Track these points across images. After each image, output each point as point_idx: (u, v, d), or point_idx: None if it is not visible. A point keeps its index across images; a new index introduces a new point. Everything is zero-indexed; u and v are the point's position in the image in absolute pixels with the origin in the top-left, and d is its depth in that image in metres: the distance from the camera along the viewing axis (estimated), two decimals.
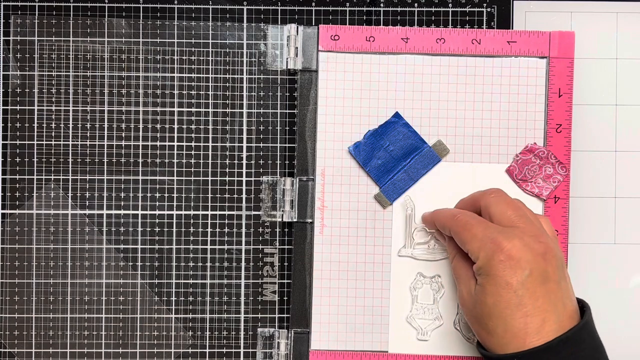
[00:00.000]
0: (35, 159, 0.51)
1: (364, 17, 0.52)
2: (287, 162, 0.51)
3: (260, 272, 0.51)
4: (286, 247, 0.51)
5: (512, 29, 0.52)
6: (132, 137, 0.51)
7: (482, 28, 0.51)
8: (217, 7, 0.51)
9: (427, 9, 0.52)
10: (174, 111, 0.51)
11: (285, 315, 0.51)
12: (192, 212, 0.51)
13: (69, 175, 0.51)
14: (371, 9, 0.52)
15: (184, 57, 0.51)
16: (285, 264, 0.51)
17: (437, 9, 0.52)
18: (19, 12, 0.51)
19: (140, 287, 0.51)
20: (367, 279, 0.50)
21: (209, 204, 0.51)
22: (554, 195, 0.50)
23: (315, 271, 0.50)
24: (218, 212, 0.51)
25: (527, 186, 0.50)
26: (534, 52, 0.50)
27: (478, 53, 0.50)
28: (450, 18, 0.52)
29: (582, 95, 0.52)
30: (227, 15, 0.52)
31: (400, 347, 0.50)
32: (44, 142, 0.51)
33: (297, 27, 0.50)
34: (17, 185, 0.51)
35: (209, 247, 0.51)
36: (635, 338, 0.52)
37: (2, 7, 0.51)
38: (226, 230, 0.51)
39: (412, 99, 0.50)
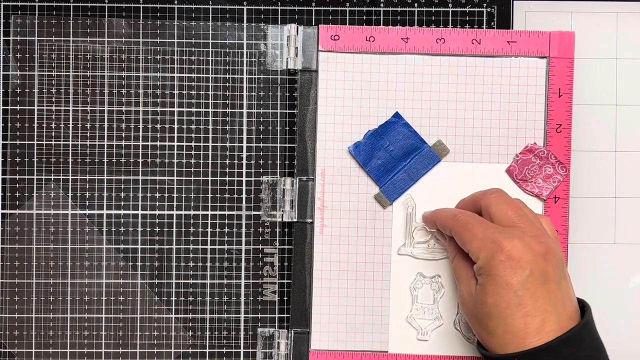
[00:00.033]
0: (35, 159, 0.51)
1: (364, 17, 0.52)
2: (287, 162, 0.51)
3: (260, 272, 0.51)
4: (286, 247, 0.51)
5: (512, 29, 0.52)
6: (132, 137, 0.51)
7: (482, 28, 0.52)
8: (217, 7, 0.51)
9: (427, 9, 0.52)
10: (174, 111, 0.51)
11: (285, 315, 0.51)
12: (192, 212, 0.51)
13: (69, 175, 0.51)
14: (371, 9, 0.52)
15: (184, 57, 0.51)
16: (285, 264, 0.51)
17: (437, 9, 0.52)
18: (19, 12, 0.51)
19: (140, 287, 0.51)
20: (367, 279, 0.50)
21: (209, 204, 0.51)
22: (554, 195, 0.50)
23: (315, 271, 0.50)
24: (218, 212, 0.51)
25: (527, 186, 0.50)
26: (534, 52, 0.50)
27: (478, 53, 0.50)
28: (450, 18, 0.52)
29: (582, 95, 0.52)
30: (227, 15, 0.52)
31: (400, 347, 0.50)
32: (44, 142, 0.51)
33: (297, 27, 0.50)
34: (17, 185, 0.51)
35: (209, 247, 0.51)
36: (635, 338, 0.52)
37: (2, 7, 0.51)
38: (226, 230, 0.51)
39: (412, 99, 0.50)
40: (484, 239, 0.42)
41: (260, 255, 0.51)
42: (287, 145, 0.51)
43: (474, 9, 0.52)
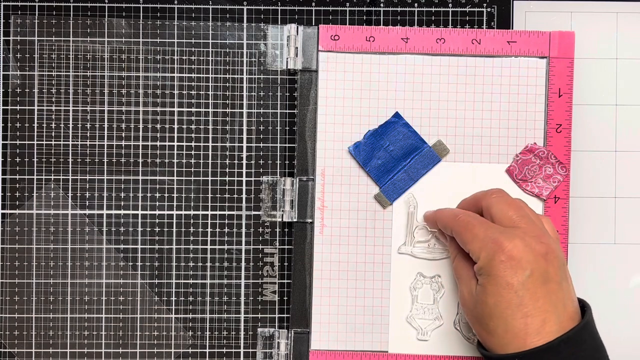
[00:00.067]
0: (35, 159, 0.51)
1: (364, 17, 0.52)
2: (287, 162, 0.51)
3: (260, 272, 0.51)
4: (286, 247, 0.51)
5: (512, 29, 0.52)
6: (132, 137, 0.51)
7: (482, 28, 0.52)
8: (217, 7, 0.51)
9: (427, 9, 0.52)
10: (174, 111, 0.51)
11: (285, 315, 0.51)
12: (192, 212, 0.51)
13: (69, 175, 0.51)
14: (371, 9, 0.52)
15: (184, 57, 0.51)
16: (285, 264, 0.51)
17: (437, 9, 0.52)
18: (19, 12, 0.51)
19: (140, 287, 0.51)
20: (367, 279, 0.50)
21: (209, 204, 0.51)
22: (554, 195, 0.50)
23: (315, 271, 0.50)
24: (218, 212, 0.51)
25: (527, 186, 0.50)
26: (534, 52, 0.50)
27: (478, 53, 0.50)
28: (450, 18, 0.52)
29: (582, 95, 0.52)
30: (227, 15, 0.52)
31: (400, 347, 0.50)
32: (44, 142, 0.51)
33: (297, 27, 0.50)
34: (17, 185, 0.51)
35: (209, 247, 0.51)
36: (635, 338, 0.52)
37: (2, 7, 0.51)
38: (226, 230, 0.51)
39: (412, 99, 0.50)
40: (485, 239, 0.42)
41: (260, 255, 0.51)
42: (287, 145, 0.51)
43: (474, 9, 0.52)
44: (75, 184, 0.51)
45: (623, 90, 0.52)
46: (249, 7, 0.52)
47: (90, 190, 0.51)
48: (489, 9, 0.52)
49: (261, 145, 0.51)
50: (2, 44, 0.51)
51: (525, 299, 0.40)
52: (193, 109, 0.51)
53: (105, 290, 0.51)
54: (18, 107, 0.51)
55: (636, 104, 0.52)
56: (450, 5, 0.52)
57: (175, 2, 0.51)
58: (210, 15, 0.51)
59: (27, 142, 0.51)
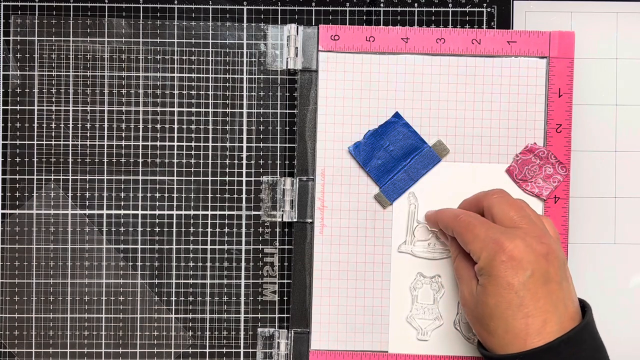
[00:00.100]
0: (35, 159, 0.51)
1: (364, 17, 0.52)
2: (287, 162, 0.51)
3: (260, 272, 0.51)
4: (286, 247, 0.51)
5: (512, 29, 0.52)
6: (132, 137, 0.51)
7: (482, 28, 0.52)
8: (217, 7, 0.51)
9: (427, 9, 0.52)
10: (174, 111, 0.51)
11: (285, 315, 0.51)
12: (192, 212, 0.51)
13: (69, 175, 0.51)
14: (371, 9, 0.52)
15: (184, 57, 0.51)
16: (285, 264, 0.51)
17: (437, 9, 0.52)
18: (19, 12, 0.51)
19: (140, 287, 0.51)
20: (367, 279, 0.50)
21: (209, 204, 0.51)
22: (554, 195, 0.50)
23: (315, 271, 0.50)
24: (218, 212, 0.51)
25: (527, 186, 0.50)
26: (534, 52, 0.50)
27: (478, 53, 0.50)
28: (450, 18, 0.52)
29: (582, 95, 0.52)
30: (227, 15, 0.52)
31: (400, 347, 0.50)
32: (44, 142, 0.51)
33: (297, 27, 0.50)
34: (17, 185, 0.51)
35: (209, 247, 0.51)
36: (635, 338, 0.52)
37: (2, 7, 0.51)
38: (226, 230, 0.51)
39: (412, 99, 0.50)
40: (486, 239, 0.42)
41: (260, 255, 0.51)
42: (287, 145, 0.51)
43: (474, 9, 0.52)
44: (75, 184, 0.51)
45: (623, 90, 0.52)
46: (249, 7, 0.51)
47: (90, 190, 0.51)
48: (489, 9, 0.52)
49: (261, 145, 0.51)
50: (2, 44, 0.51)
51: (526, 300, 0.40)
52: (193, 109, 0.51)
53: (105, 290, 0.51)
54: (18, 107, 0.51)
55: (636, 104, 0.52)
56: (450, 5, 0.52)
57: (175, 2, 0.51)
58: (210, 15, 0.51)
59: (27, 142, 0.51)
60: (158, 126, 0.51)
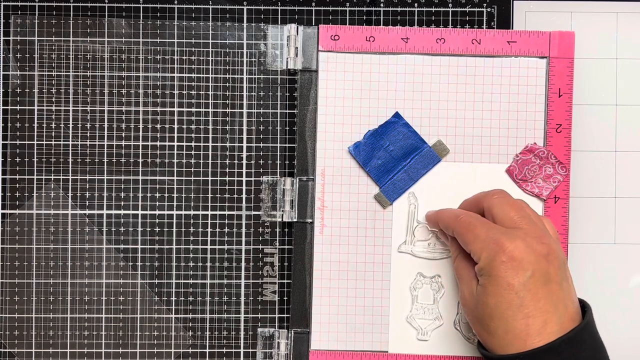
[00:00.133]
0: (35, 159, 0.51)
1: (364, 17, 0.52)
2: (287, 162, 0.51)
3: (260, 272, 0.51)
4: (286, 247, 0.51)
5: (512, 29, 0.52)
6: (132, 137, 0.51)
7: (482, 28, 0.52)
8: (217, 7, 0.51)
9: (427, 9, 0.52)
10: (174, 111, 0.51)
11: (285, 315, 0.51)
12: (192, 212, 0.51)
13: (69, 175, 0.51)
14: (371, 9, 0.52)
15: (184, 57, 0.51)
16: (285, 264, 0.51)
17: (437, 9, 0.52)
18: (19, 12, 0.51)
19: (140, 287, 0.51)
20: (367, 279, 0.50)
21: (209, 204, 0.51)
22: (554, 195, 0.50)
23: (315, 271, 0.50)
24: (218, 212, 0.51)
25: (527, 186, 0.50)
26: (534, 52, 0.50)
27: (478, 53, 0.50)
28: (450, 18, 0.52)
29: (582, 95, 0.52)
30: (227, 15, 0.52)
31: (400, 347, 0.50)
32: (44, 142, 0.51)
33: (297, 27, 0.50)
34: (17, 185, 0.51)
35: (209, 247, 0.51)
36: (635, 338, 0.52)
37: (2, 7, 0.51)
38: (226, 230, 0.51)
39: (412, 99, 0.50)
40: (486, 239, 0.42)
41: (260, 255, 0.51)
42: (287, 145, 0.51)
43: (474, 9, 0.52)
44: (75, 184, 0.51)
45: (623, 90, 0.52)
46: (249, 7, 0.51)
47: (90, 190, 0.51)
48: (489, 9, 0.52)
49: (261, 145, 0.51)
50: (2, 44, 0.51)
51: (526, 300, 0.40)
52: (193, 109, 0.51)
53: (105, 290, 0.51)
54: (18, 107, 0.51)
55: (636, 104, 0.52)
56: (450, 5, 0.52)
57: (175, 2, 0.51)
58: (210, 15, 0.51)
59: (27, 142, 0.51)
60: (158, 126, 0.51)
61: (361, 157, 0.50)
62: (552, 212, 0.49)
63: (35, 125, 0.51)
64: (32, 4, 0.51)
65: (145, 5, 0.51)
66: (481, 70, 0.50)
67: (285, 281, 0.51)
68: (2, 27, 0.51)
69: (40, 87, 0.51)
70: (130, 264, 0.51)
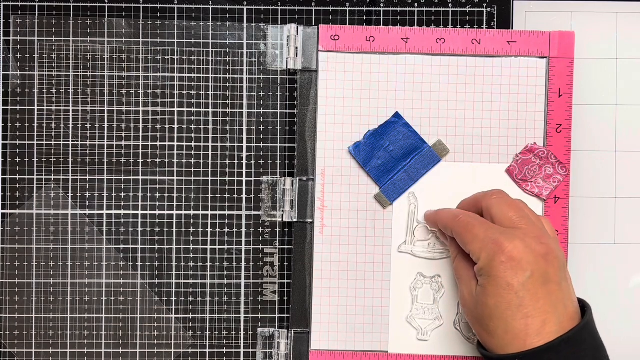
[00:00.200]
0: (35, 159, 0.51)
1: (364, 17, 0.52)
2: (287, 162, 0.51)
3: (260, 272, 0.51)
4: (286, 247, 0.51)
5: (512, 29, 0.52)
6: (132, 137, 0.51)
7: (482, 28, 0.51)
8: (217, 7, 0.51)
9: (427, 9, 0.52)
10: (174, 111, 0.51)
11: (285, 315, 0.51)
12: (192, 212, 0.51)
13: (69, 175, 0.51)
14: (371, 9, 0.52)
15: (184, 57, 0.51)
16: (285, 264, 0.51)
17: (437, 9, 0.52)
18: (19, 12, 0.51)
19: (140, 287, 0.51)
20: (367, 279, 0.50)
21: (209, 204, 0.51)
22: (554, 195, 0.50)
23: (315, 271, 0.50)
24: (218, 212, 0.51)
25: (527, 186, 0.50)
26: (534, 52, 0.50)
27: (478, 53, 0.50)
28: (450, 18, 0.52)
29: (582, 95, 0.52)
30: (227, 15, 0.52)
31: (400, 347, 0.50)
32: (44, 142, 0.51)
33: (297, 27, 0.50)
34: (17, 185, 0.51)
35: (209, 247, 0.51)
36: (635, 338, 0.52)
37: (2, 7, 0.51)
38: (226, 230, 0.51)
39: (412, 99, 0.50)
40: (485, 240, 0.42)
41: (260, 255, 0.51)
42: (287, 145, 0.51)
43: (474, 9, 0.52)
44: (75, 184, 0.51)
45: (623, 90, 0.52)
46: (249, 7, 0.51)
47: (90, 190, 0.51)
48: (489, 9, 0.52)
49: (261, 145, 0.51)
50: (2, 44, 0.51)
51: (526, 300, 0.40)
52: (193, 109, 0.51)
53: (105, 290, 0.51)
54: (18, 107, 0.51)
55: (636, 104, 0.52)
56: (450, 5, 0.52)
57: (175, 2, 0.51)
58: (210, 15, 0.51)
59: (27, 142, 0.51)
60: (158, 126, 0.51)
61: (361, 157, 0.50)
62: (552, 212, 0.49)
63: (35, 125, 0.51)
64: (32, 4, 0.51)
65: (145, 5, 0.51)
66: (481, 70, 0.50)
67: (285, 281, 0.51)
68: (2, 27, 0.51)
69: (40, 87, 0.51)
70: (130, 264, 0.51)
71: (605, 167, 0.52)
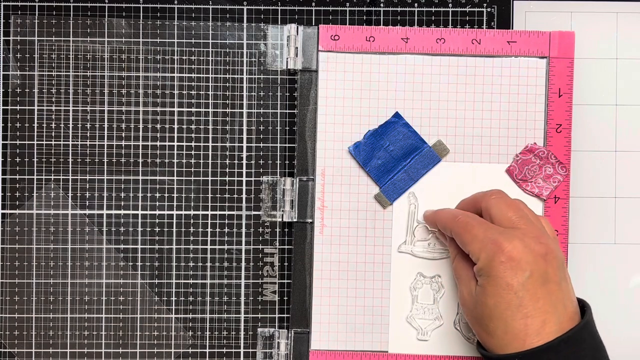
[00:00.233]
0: (35, 159, 0.51)
1: (364, 17, 0.52)
2: (287, 162, 0.51)
3: (260, 272, 0.51)
4: (286, 247, 0.51)
5: (512, 29, 0.52)
6: (132, 137, 0.51)
7: (482, 28, 0.51)
8: (217, 7, 0.51)
9: (427, 9, 0.52)
10: (174, 111, 0.51)
11: (285, 315, 0.51)
12: (192, 212, 0.51)
13: (69, 175, 0.51)
14: (371, 9, 0.52)
15: (184, 57, 0.51)
16: (285, 264, 0.51)
17: (437, 9, 0.52)
18: (19, 12, 0.51)
19: (140, 287, 0.51)
20: (367, 279, 0.50)
21: (209, 204, 0.51)
22: (554, 195, 0.50)
23: (315, 271, 0.50)
24: (218, 212, 0.51)
25: (527, 186, 0.50)
26: (534, 52, 0.50)
27: (478, 53, 0.50)
28: (450, 18, 0.52)
29: (582, 95, 0.52)
30: (227, 15, 0.52)
31: (400, 347, 0.50)
32: (44, 142, 0.51)
33: (297, 27, 0.50)
34: (17, 185, 0.51)
35: (209, 247, 0.51)
36: (635, 338, 0.52)
37: (2, 7, 0.51)
38: (226, 230, 0.51)
39: (412, 99, 0.50)
40: (485, 240, 0.42)
41: (260, 255, 0.51)
42: (287, 145, 0.51)
43: (474, 9, 0.52)
44: (75, 184, 0.51)
45: (623, 90, 0.52)
46: (249, 7, 0.52)
47: (90, 190, 0.51)
48: (489, 9, 0.52)
49: (261, 145, 0.51)
50: (2, 44, 0.51)
51: (525, 300, 0.40)
52: (193, 109, 0.51)
53: (105, 290, 0.51)
54: (18, 107, 0.51)
55: (636, 104, 0.52)
56: (450, 5, 0.52)
57: (175, 2, 0.51)
58: (210, 15, 0.51)
59: (27, 142, 0.51)
60: (158, 126, 0.51)
61: (361, 157, 0.50)
62: (552, 212, 0.49)
63: (35, 125, 0.51)
64: (32, 4, 0.51)
65: (145, 5, 0.51)
66: (481, 70, 0.50)
67: (285, 281, 0.51)
68: (2, 27, 0.51)
69: (40, 87, 0.51)
70: (130, 264, 0.51)
71: (605, 167, 0.52)
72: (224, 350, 0.51)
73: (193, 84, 0.51)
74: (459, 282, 0.45)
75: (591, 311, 0.42)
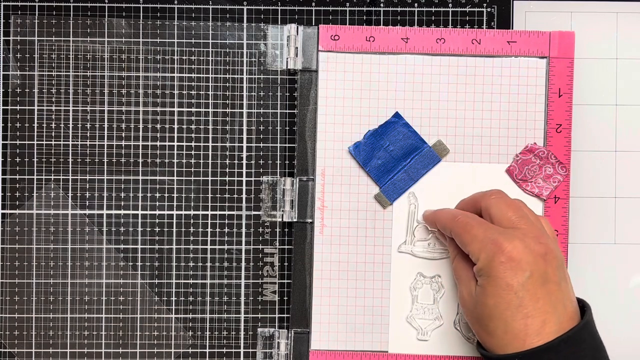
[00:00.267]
0: (35, 159, 0.51)
1: (364, 17, 0.52)
2: (287, 162, 0.51)
3: (260, 272, 0.51)
4: (286, 247, 0.51)
5: (512, 29, 0.52)
6: (132, 137, 0.51)
7: (482, 28, 0.51)
8: (217, 7, 0.51)
9: (427, 9, 0.52)
10: (174, 111, 0.51)
11: (285, 315, 0.51)
12: (192, 212, 0.51)
13: (69, 175, 0.51)
14: (371, 9, 0.52)
15: (184, 57, 0.51)
16: (285, 264, 0.51)
17: (437, 9, 0.52)
18: (19, 12, 0.51)
19: (140, 287, 0.51)
20: (367, 279, 0.50)
21: (209, 204, 0.51)
22: (554, 195, 0.50)
23: (315, 271, 0.50)
24: (218, 212, 0.51)
25: (527, 186, 0.50)
26: (534, 52, 0.50)
27: (478, 53, 0.50)
28: (450, 18, 0.52)
29: (582, 95, 0.52)
30: (227, 15, 0.52)
31: (400, 347, 0.50)
32: (44, 142, 0.51)
33: (297, 27, 0.50)
34: (17, 185, 0.51)
35: (209, 247, 0.51)
36: (635, 338, 0.52)
37: (2, 7, 0.51)
38: (226, 230, 0.51)
39: (412, 99, 0.50)
40: (484, 240, 0.42)
41: (260, 255, 0.51)
42: (287, 145, 0.51)
43: (474, 9, 0.52)
44: (75, 184, 0.51)
45: (623, 90, 0.52)
46: (249, 7, 0.52)
47: (90, 190, 0.51)
48: (489, 9, 0.52)
49: (261, 145, 0.51)
50: (2, 44, 0.51)
51: (525, 300, 0.40)
52: (193, 109, 0.51)
53: (105, 290, 0.51)
54: (18, 107, 0.51)
55: (636, 104, 0.52)
56: (450, 5, 0.52)
57: (175, 2, 0.51)
58: (210, 15, 0.51)
59: (27, 142, 0.51)
60: (158, 126, 0.51)
61: (361, 157, 0.50)
62: (552, 212, 0.49)
63: (35, 125, 0.51)
64: (32, 4, 0.51)
65: (145, 5, 0.51)
66: (481, 70, 0.50)
67: (285, 281, 0.51)
68: (2, 27, 0.51)
69: (40, 87, 0.51)
70: (130, 264, 0.51)
71: (605, 167, 0.52)
72: (224, 350, 0.51)
73: (193, 84, 0.51)
74: (459, 283, 0.45)
75: (591, 311, 0.42)
